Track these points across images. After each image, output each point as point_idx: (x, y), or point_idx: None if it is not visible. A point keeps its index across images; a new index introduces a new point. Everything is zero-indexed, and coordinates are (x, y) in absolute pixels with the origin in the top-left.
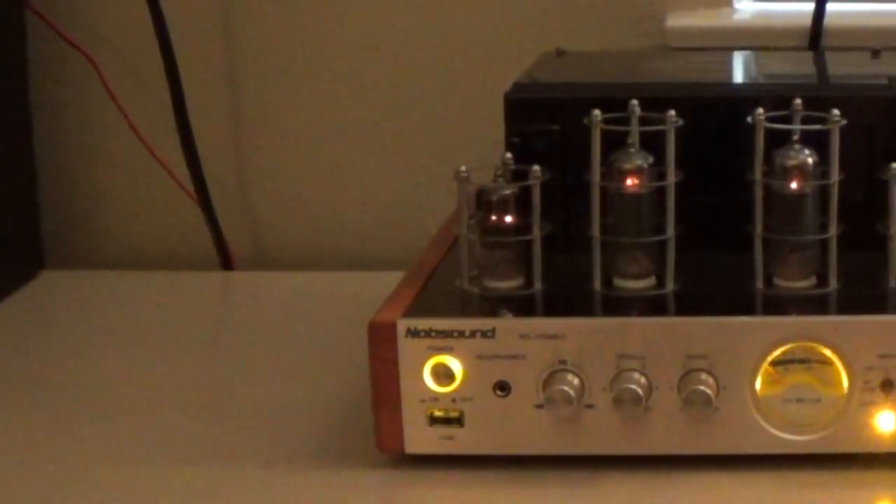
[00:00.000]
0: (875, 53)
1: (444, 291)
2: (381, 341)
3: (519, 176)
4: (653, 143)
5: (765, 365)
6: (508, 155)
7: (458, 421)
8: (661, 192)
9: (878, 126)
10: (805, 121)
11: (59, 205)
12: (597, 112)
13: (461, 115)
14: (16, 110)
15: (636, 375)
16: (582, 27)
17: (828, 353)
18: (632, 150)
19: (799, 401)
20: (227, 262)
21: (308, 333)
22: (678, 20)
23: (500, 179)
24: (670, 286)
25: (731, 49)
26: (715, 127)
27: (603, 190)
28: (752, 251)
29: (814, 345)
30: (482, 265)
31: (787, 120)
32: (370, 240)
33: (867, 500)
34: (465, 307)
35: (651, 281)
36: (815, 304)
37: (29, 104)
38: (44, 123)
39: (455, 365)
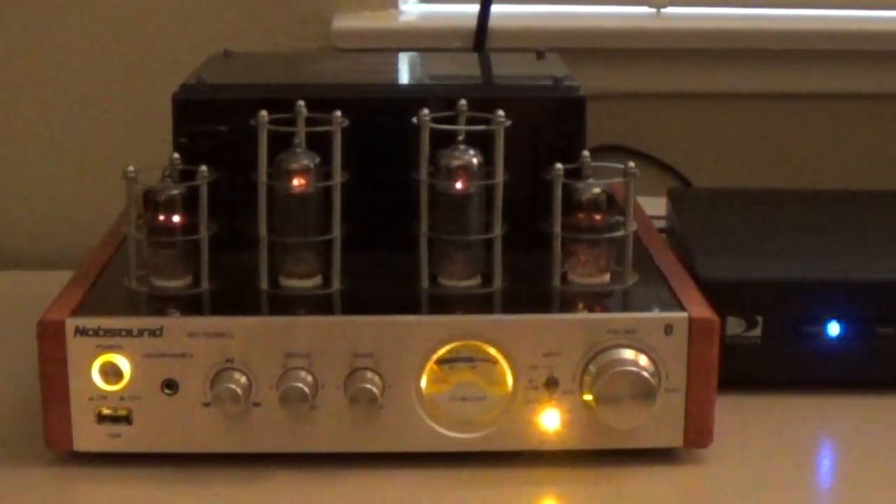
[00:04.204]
0: (540, 55)
1: (113, 291)
2: (50, 340)
3: (187, 176)
4: (320, 144)
5: (430, 364)
6: (176, 155)
7: (127, 419)
8: (327, 192)
9: (542, 127)
10: (470, 122)
11: None
12: (263, 113)
13: (130, 115)
14: None
15: (302, 374)
16: (249, 29)
17: (492, 351)
18: (298, 150)
19: (464, 399)
20: None
21: None
22: (344, 21)
23: (168, 179)
24: (336, 285)
25: (398, 50)
26: (381, 128)
27: (270, 190)
28: (419, 251)
29: (478, 343)
30: (150, 264)
31: (452, 121)
32: (40, 239)
33: (532, 497)
34: (132, 306)
35: (317, 280)
36: (479, 303)
37: None
38: None
39: (123, 363)
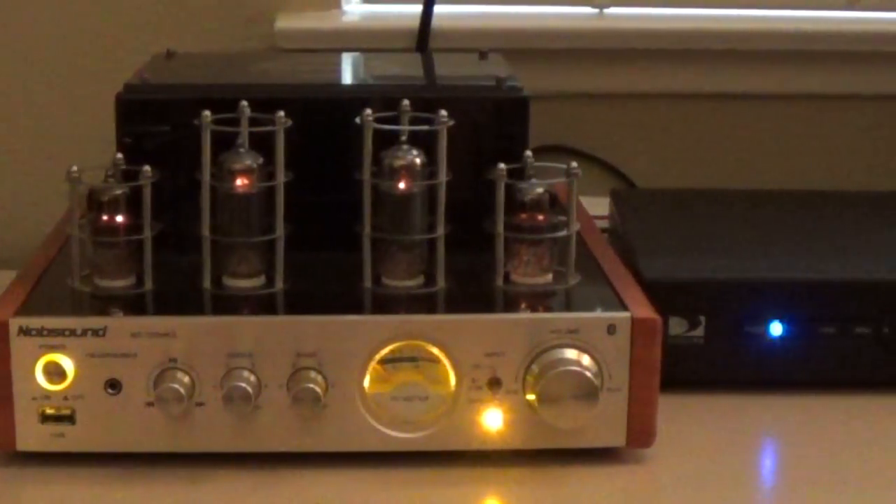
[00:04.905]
0: (482, 55)
1: (57, 290)
2: None
3: (130, 176)
4: (264, 144)
5: (373, 363)
6: (119, 155)
7: (70, 419)
8: (270, 192)
9: (485, 127)
10: (413, 122)
11: None
12: (207, 113)
13: (74, 115)
14: None
15: (246, 374)
16: (192, 29)
17: (435, 351)
18: (241, 150)
19: (407, 399)
20: None
21: None
22: (287, 22)
23: (112, 180)
24: (279, 285)
25: (341, 51)
26: (324, 128)
27: (213, 190)
28: (362, 250)
29: (421, 343)
30: (94, 264)
31: (395, 121)
32: None
33: (475, 496)
34: (76, 306)
35: (261, 280)
36: (422, 303)
37: None
38: None
39: (67, 363)
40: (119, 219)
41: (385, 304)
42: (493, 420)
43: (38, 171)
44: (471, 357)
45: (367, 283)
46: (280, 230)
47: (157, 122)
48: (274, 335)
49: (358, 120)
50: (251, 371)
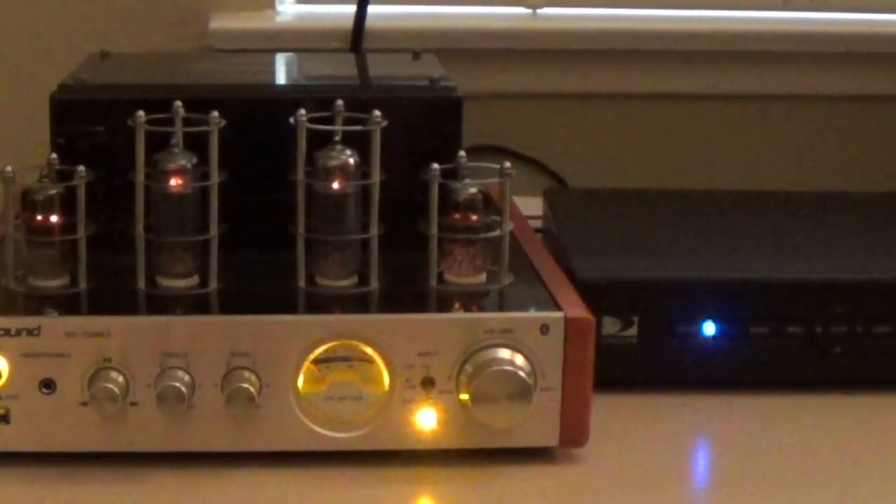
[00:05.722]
0: (416, 55)
1: None
2: None
3: (65, 176)
4: (198, 144)
5: (307, 363)
6: (54, 155)
7: (4, 419)
8: (205, 192)
9: (419, 127)
10: (347, 122)
11: None
12: (141, 113)
13: (7, 115)
14: None
15: (180, 373)
16: (127, 29)
17: (369, 351)
18: (175, 150)
19: (340, 398)
20: None
21: None
22: (221, 22)
23: (46, 180)
24: (213, 285)
25: (275, 51)
26: (258, 128)
27: (147, 189)
28: (296, 250)
29: (355, 343)
30: (28, 264)
31: (329, 121)
32: None
33: (408, 496)
34: (10, 306)
35: (194, 280)
36: (356, 303)
37: None
38: None
39: (1, 363)
40: (53, 219)
41: (319, 303)
42: (426, 420)
43: None
44: (404, 357)
45: (301, 283)
46: (214, 230)
47: (92, 123)
48: (208, 335)
49: (292, 120)
50: (185, 371)
